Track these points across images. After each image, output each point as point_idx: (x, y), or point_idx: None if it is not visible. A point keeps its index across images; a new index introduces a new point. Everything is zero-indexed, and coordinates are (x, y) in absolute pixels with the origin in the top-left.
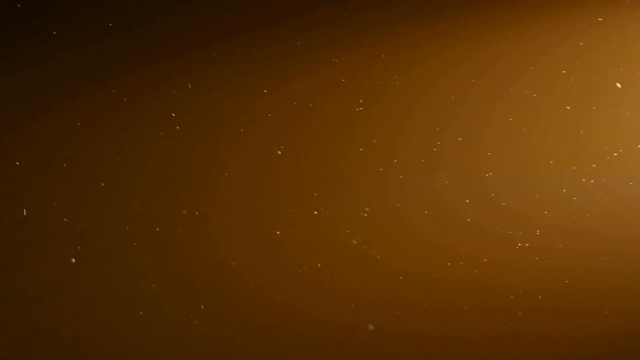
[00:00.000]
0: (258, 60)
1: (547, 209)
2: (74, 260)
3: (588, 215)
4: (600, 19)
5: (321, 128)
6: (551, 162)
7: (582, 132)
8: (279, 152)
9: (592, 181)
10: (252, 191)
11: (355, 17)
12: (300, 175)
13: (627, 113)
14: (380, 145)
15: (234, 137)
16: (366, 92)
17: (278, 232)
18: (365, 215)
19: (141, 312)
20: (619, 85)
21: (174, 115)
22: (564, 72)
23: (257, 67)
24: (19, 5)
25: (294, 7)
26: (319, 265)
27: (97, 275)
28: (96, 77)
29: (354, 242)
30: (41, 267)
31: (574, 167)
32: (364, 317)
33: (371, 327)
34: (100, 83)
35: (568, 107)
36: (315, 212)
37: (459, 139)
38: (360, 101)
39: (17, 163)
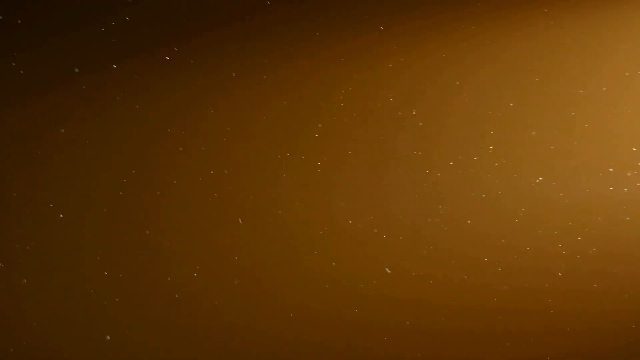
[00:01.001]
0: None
1: (601, 210)
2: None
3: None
4: None
5: (374, 131)
6: (610, 169)
7: None
8: (388, 271)
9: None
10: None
11: (415, 21)
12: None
13: None
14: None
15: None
16: (427, 93)
17: None
18: (429, 220)
19: None
20: None
21: (226, 172)
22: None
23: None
24: None
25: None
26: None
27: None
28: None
29: (387, 270)
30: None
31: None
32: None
33: None
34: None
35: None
36: (361, 226)
37: (533, 133)
38: (413, 110)
39: (61, 215)
